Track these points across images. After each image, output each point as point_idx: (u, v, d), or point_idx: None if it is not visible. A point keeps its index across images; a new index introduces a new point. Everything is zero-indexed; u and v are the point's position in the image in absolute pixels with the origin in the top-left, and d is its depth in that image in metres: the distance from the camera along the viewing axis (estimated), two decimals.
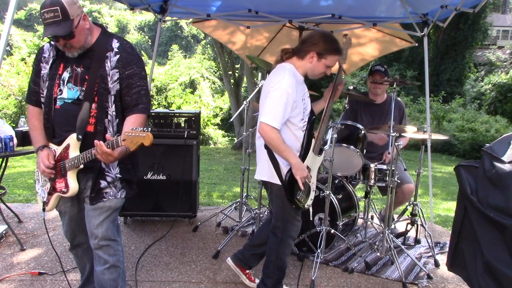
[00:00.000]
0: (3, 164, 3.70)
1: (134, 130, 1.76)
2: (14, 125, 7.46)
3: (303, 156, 2.44)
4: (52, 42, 2.06)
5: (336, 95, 2.67)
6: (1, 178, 3.79)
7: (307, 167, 2.44)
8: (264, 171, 2.49)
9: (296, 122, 2.42)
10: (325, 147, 3.26)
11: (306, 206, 2.50)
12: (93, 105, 2.00)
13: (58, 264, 3.08)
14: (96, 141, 1.83)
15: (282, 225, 2.54)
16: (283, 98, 2.29)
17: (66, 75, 2.03)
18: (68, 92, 2.02)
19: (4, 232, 3.57)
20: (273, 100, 2.31)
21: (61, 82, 2.03)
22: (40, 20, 1.91)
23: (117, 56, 2.02)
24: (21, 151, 3.63)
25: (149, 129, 1.76)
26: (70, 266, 3.07)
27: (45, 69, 2.08)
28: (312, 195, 2.53)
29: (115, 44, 2.04)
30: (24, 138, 3.57)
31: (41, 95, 2.10)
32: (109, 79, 2.00)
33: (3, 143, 3.34)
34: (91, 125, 2.01)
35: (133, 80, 2.02)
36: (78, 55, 2.00)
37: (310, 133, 2.48)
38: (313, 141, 2.49)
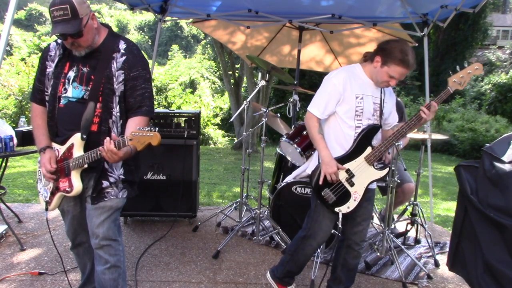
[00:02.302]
0: (3, 164, 3.70)
1: (141, 130, 1.76)
2: (14, 125, 7.47)
3: (346, 157, 2.34)
4: (59, 41, 2.07)
5: (420, 119, 2.29)
6: (1, 178, 3.79)
7: (347, 170, 2.34)
8: (311, 164, 2.58)
9: (346, 119, 2.35)
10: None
11: (337, 209, 2.37)
12: (98, 105, 2.01)
13: (58, 264, 3.08)
14: (107, 138, 1.83)
15: (310, 223, 2.52)
16: (327, 88, 2.36)
17: (71, 74, 2.04)
18: (73, 91, 2.03)
19: (4, 232, 3.57)
20: (319, 90, 2.41)
21: (66, 81, 2.04)
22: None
23: (123, 58, 2.02)
24: (21, 151, 3.62)
25: (157, 128, 1.76)
26: (70, 266, 3.07)
27: (50, 67, 2.08)
28: (351, 204, 2.36)
29: (122, 45, 2.05)
30: (24, 138, 3.57)
31: (46, 93, 2.10)
32: (114, 80, 2.00)
33: (3, 143, 3.34)
34: (95, 125, 2.02)
35: (138, 82, 2.03)
36: (85, 54, 2.01)
37: (367, 138, 2.34)
38: (370, 149, 2.34)
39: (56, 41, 2.11)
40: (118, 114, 2.04)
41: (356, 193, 2.37)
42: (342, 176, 2.35)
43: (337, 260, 2.61)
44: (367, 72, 2.38)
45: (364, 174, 2.36)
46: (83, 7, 1.90)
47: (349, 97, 2.32)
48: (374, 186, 2.51)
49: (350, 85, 2.33)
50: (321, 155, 2.35)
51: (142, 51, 2.16)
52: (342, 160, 2.35)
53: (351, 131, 2.36)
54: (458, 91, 21.40)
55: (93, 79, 2.00)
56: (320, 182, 2.35)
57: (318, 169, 2.37)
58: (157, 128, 1.76)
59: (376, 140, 2.40)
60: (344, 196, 2.37)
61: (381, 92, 2.40)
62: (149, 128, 1.76)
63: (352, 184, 2.36)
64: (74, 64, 2.04)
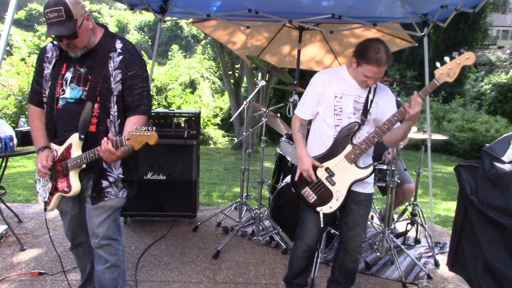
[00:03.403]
0: (3, 164, 3.70)
1: (139, 130, 1.76)
2: (14, 125, 7.47)
3: (326, 155, 2.34)
4: (55, 42, 2.07)
5: (403, 114, 2.18)
6: (1, 178, 3.79)
7: (327, 169, 2.33)
8: None
9: (326, 118, 2.36)
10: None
11: (318, 209, 2.36)
12: (96, 105, 2.01)
13: (58, 264, 3.08)
14: (104, 139, 1.84)
15: (299, 224, 2.54)
16: (308, 90, 2.43)
17: (69, 75, 2.04)
18: (70, 92, 2.03)
19: (4, 232, 3.57)
20: (304, 92, 2.48)
21: (64, 82, 2.04)
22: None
23: (120, 57, 2.02)
24: (21, 151, 3.62)
25: (154, 128, 1.77)
26: (70, 266, 3.07)
27: (47, 69, 2.08)
28: (334, 204, 2.34)
29: (118, 44, 2.05)
30: (24, 138, 3.57)
31: (43, 95, 2.10)
32: (111, 79, 2.01)
33: (3, 143, 3.34)
34: (93, 125, 2.02)
35: (135, 81, 2.03)
36: (81, 55, 2.01)
37: (346, 136, 2.32)
38: (350, 147, 2.30)
39: (52, 42, 2.10)
40: (116, 113, 2.04)
41: (338, 192, 2.34)
42: (322, 174, 2.34)
43: (336, 262, 2.62)
44: (351, 74, 2.38)
45: (345, 173, 2.33)
46: (78, 8, 1.90)
47: (327, 97, 2.35)
48: (369, 190, 2.43)
49: (329, 85, 2.35)
50: (297, 152, 2.41)
51: (139, 50, 2.17)
52: (322, 158, 2.35)
53: (331, 130, 2.36)
54: (458, 91, 21.33)
55: (90, 80, 2.00)
56: (296, 179, 2.38)
57: (296, 168, 2.41)
58: (154, 128, 1.77)
59: (360, 138, 2.34)
60: (326, 196, 2.35)
61: (369, 92, 2.36)
62: (146, 127, 1.76)
63: (333, 183, 2.34)
64: (71, 65, 2.04)
